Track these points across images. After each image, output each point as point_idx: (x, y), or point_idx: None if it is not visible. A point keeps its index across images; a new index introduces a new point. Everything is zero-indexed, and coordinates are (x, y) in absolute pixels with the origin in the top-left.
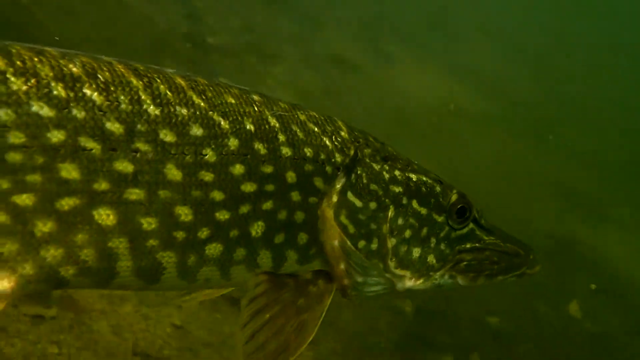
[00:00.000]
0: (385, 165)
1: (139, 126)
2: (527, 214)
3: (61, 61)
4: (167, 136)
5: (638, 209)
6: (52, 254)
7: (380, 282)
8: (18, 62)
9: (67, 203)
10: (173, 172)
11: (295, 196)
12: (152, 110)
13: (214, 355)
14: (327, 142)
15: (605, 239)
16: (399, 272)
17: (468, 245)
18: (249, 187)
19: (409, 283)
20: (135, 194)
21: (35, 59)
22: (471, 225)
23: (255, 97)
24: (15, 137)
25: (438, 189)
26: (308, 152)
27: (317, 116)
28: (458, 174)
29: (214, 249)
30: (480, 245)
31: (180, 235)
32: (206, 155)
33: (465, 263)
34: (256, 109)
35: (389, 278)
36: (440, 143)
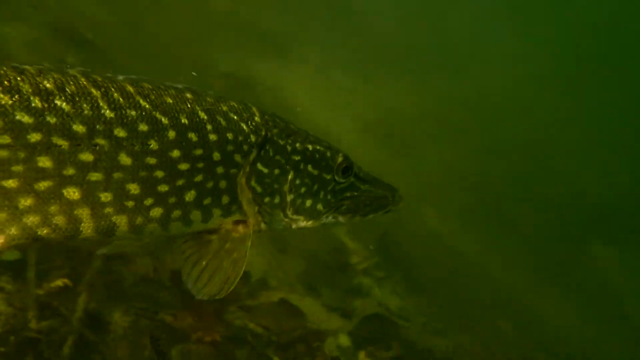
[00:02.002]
0: (288, 140)
1: (97, 126)
2: (208, 54)
3: (38, 78)
4: (120, 132)
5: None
6: (31, 220)
7: (281, 224)
8: (5, 82)
9: (43, 185)
10: (124, 159)
11: (219, 170)
12: (108, 113)
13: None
14: (244, 127)
15: (287, 78)
16: (295, 217)
17: (348, 194)
18: (183, 166)
19: (302, 224)
20: (95, 176)
21: (18, 78)
22: (352, 179)
23: (188, 95)
24: (3, 139)
25: (328, 154)
26: (230, 136)
27: (236, 106)
28: None
29: (156, 212)
30: (358, 193)
31: (130, 204)
32: (150, 145)
33: (344, 207)
34: (189, 105)
35: (288, 221)
36: None
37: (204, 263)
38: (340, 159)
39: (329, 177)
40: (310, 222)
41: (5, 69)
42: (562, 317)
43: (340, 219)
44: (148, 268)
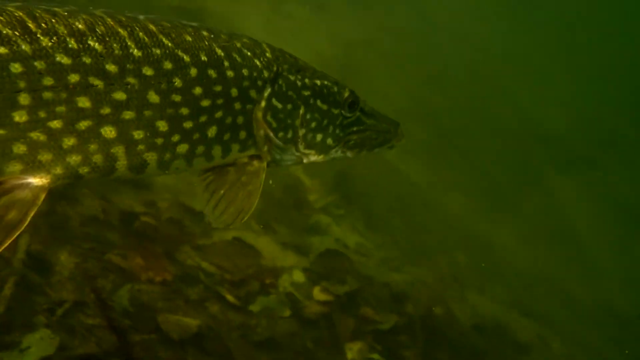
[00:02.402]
0: (298, 75)
1: (127, 65)
2: None
3: (70, 20)
4: (147, 71)
5: None
6: (74, 159)
7: (293, 159)
8: (42, 24)
9: (83, 124)
10: (153, 97)
11: (237, 105)
12: (136, 53)
13: None
14: (258, 63)
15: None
16: (306, 151)
17: (355, 129)
18: (205, 103)
19: (313, 158)
20: (128, 114)
21: (53, 20)
22: (358, 113)
23: (205, 33)
24: (47, 81)
25: (335, 89)
26: (245, 72)
27: (248, 42)
28: None
29: (182, 148)
30: (364, 127)
31: (159, 140)
32: (175, 82)
33: (352, 142)
34: (207, 42)
35: (299, 155)
36: None
37: (221, 192)
38: (347, 94)
39: (336, 111)
40: (320, 157)
41: (39, 11)
42: (515, 245)
43: (348, 153)
44: (96, 209)
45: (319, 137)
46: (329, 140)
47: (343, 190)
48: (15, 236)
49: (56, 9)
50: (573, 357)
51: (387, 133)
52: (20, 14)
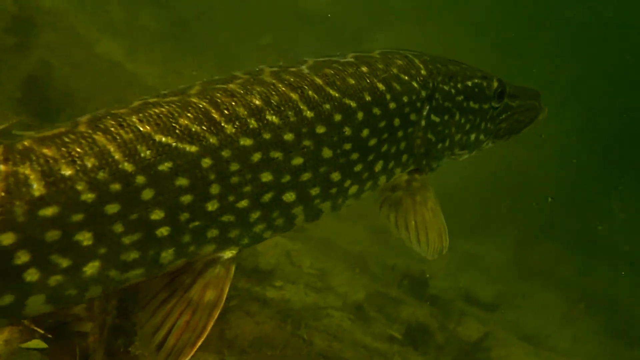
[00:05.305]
0: (451, 83)
1: (302, 130)
2: None
3: (247, 97)
4: (320, 129)
5: None
6: (259, 228)
7: (447, 161)
8: (225, 111)
9: (267, 197)
10: (327, 152)
11: (400, 134)
12: (309, 114)
13: None
14: (415, 85)
15: None
16: (460, 152)
17: (503, 116)
18: (372, 142)
19: (466, 156)
20: (306, 176)
21: (233, 103)
22: (505, 100)
23: (364, 69)
24: (234, 166)
25: (484, 84)
26: (405, 99)
27: (402, 64)
28: None
29: (353, 190)
30: (511, 112)
31: (333, 190)
32: (345, 132)
33: (502, 130)
34: (368, 81)
35: (454, 158)
36: None
37: (412, 223)
38: (495, 85)
39: (487, 106)
40: (473, 153)
41: (219, 94)
42: None
43: (497, 141)
44: None
45: (472, 136)
46: (481, 137)
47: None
48: (217, 315)
49: (231, 85)
50: None
51: (532, 110)
52: (204, 104)
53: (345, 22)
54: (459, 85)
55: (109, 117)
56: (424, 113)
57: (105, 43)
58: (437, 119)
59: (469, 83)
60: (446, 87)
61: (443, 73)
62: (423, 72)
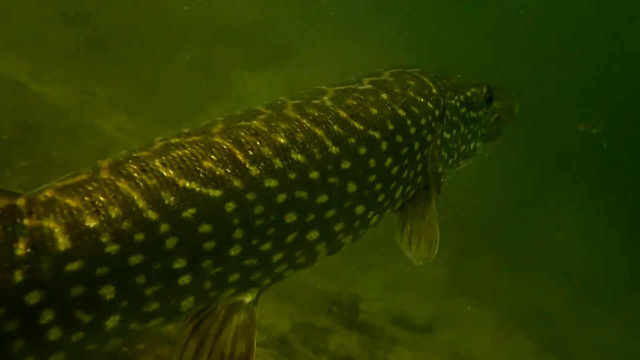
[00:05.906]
0: (455, 97)
1: (328, 167)
2: None
3: (272, 136)
4: (345, 164)
5: None
6: (281, 268)
7: (452, 175)
8: (249, 151)
9: (290, 238)
10: (351, 187)
11: (418, 156)
12: (334, 150)
13: None
14: (430, 106)
15: None
16: (462, 162)
17: (492, 120)
18: (394, 170)
19: (465, 165)
20: (330, 213)
21: (258, 143)
22: (493, 104)
23: (384, 96)
24: (258, 209)
25: (478, 91)
26: (423, 121)
27: (415, 85)
28: None
29: (374, 219)
30: (496, 114)
31: (356, 223)
32: (370, 164)
33: (490, 135)
34: (389, 108)
35: (458, 170)
36: None
37: (408, 227)
38: (485, 90)
39: (482, 113)
40: (470, 161)
41: (243, 133)
42: None
43: (486, 145)
44: None
45: (472, 145)
46: (479, 143)
47: None
48: None
49: (255, 123)
50: None
51: (511, 108)
52: (228, 144)
53: (272, 36)
54: (462, 97)
55: (131, 162)
56: (438, 132)
57: (8, 60)
58: (448, 136)
59: (469, 93)
60: (453, 102)
61: (449, 88)
62: (434, 90)
